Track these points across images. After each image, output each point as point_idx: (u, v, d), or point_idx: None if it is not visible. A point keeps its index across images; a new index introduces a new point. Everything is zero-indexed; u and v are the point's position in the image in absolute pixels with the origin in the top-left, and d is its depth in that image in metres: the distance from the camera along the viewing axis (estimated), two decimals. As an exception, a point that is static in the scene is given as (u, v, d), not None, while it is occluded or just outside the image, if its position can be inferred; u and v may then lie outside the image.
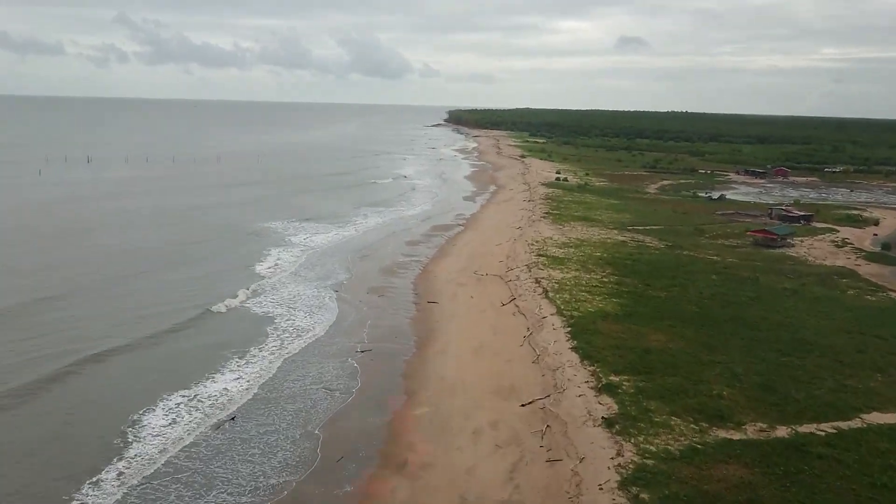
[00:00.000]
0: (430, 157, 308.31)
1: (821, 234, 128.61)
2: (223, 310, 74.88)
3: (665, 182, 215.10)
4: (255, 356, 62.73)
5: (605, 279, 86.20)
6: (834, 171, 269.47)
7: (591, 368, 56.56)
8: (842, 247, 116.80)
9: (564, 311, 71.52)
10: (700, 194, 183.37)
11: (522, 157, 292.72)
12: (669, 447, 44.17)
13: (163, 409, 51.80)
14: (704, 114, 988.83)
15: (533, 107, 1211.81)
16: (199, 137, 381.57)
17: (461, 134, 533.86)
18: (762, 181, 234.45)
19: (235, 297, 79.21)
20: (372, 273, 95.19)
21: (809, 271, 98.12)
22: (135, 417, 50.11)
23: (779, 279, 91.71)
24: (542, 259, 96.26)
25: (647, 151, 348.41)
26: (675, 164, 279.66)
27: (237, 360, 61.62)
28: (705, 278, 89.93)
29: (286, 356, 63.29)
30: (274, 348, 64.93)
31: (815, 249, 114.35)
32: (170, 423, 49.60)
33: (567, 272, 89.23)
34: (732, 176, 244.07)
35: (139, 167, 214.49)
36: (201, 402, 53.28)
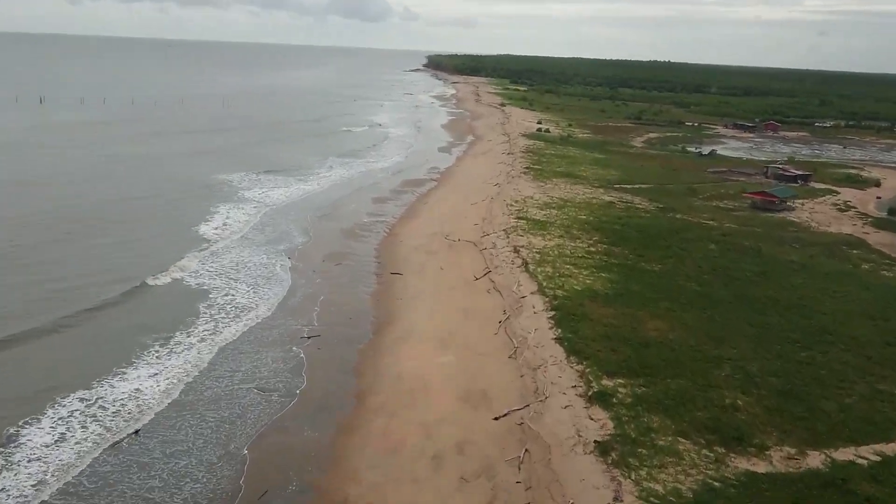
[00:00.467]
0: (407, 103, 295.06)
1: (821, 195, 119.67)
2: (150, 283, 64.40)
3: (651, 135, 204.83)
4: (180, 344, 52.73)
5: (592, 248, 76.53)
6: (824, 126, 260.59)
7: (580, 367, 47.18)
8: (845, 211, 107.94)
9: (547, 290, 61.90)
10: (689, 149, 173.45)
11: (502, 105, 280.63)
12: (680, 486, 35.04)
13: (51, 418, 41.85)
14: (687, 64, 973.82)
15: (514, 53, 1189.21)
16: (168, 79, 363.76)
17: (440, 80, 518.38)
18: (752, 135, 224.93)
19: (169, 267, 68.66)
20: (332, 236, 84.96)
21: (815, 240, 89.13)
22: (11, 431, 40.15)
23: (783, 250, 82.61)
24: (521, 223, 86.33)
25: (631, 101, 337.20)
26: (660, 115, 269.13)
27: (158, 349, 51.57)
28: (703, 248, 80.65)
29: (219, 344, 53.33)
30: (205, 333, 54.91)
31: (817, 214, 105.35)
32: (56, 441, 39.68)
33: (549, 239, 79.42)
34: (721, 129, 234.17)
35: (94, 110, 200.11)
36: (103, 408, 43.39)
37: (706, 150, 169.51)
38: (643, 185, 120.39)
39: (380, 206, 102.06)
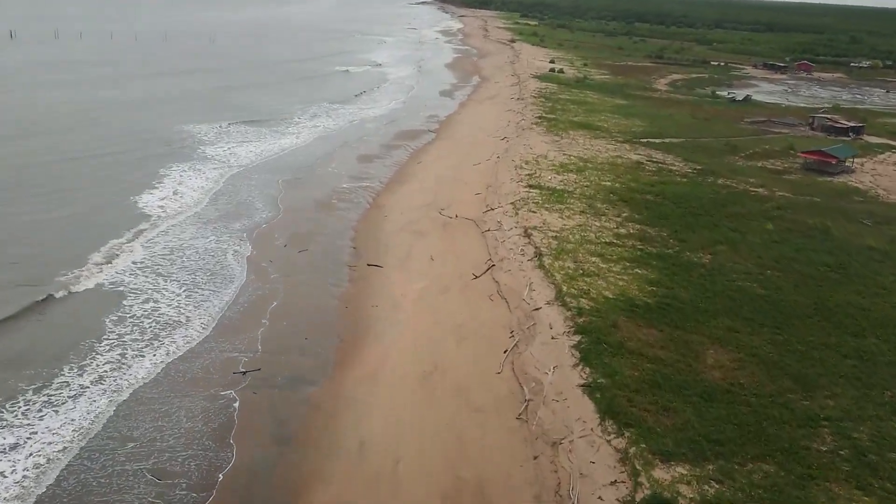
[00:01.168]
0: (410, 39, 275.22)
1: (879, 152, 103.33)
2: (59, 292, 49.36)
3: (675, 76, 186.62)
4: (63, 389, 38.17)
5: (622, 230, 61.26)
6: (861, 67, 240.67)
7: (620, 443, 32.57)
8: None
9: (568, 297, 46.93)
10: (720, 94, 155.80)
11: (512, 41, 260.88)
12: None
13: None
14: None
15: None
16: (154, 11, 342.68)
17: (446, 13, 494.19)
18: (784, 77, 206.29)
19: (87, 260, 53.83)
20: (303, 208, 69.87)
21: (888, 213, 73.53)
22: None
23: (855, 230, 67.19)
24: (533, 192, 70.83)
25: (650, 38, 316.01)
26: (682, 53, 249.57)
27: (29, 398, 37.03)
28: (758, 228, 65.26)
29: (122, 387, 38.79)
30: (105, 370, 40.28)
31: (882, 178, 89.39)
32: None
33: (569, 216, 64.09)
34: (750, 70, 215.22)
35: (67, 46, 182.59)
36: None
37: (740, 95, 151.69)
38: (673, 140, 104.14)
39: (365, 166, 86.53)
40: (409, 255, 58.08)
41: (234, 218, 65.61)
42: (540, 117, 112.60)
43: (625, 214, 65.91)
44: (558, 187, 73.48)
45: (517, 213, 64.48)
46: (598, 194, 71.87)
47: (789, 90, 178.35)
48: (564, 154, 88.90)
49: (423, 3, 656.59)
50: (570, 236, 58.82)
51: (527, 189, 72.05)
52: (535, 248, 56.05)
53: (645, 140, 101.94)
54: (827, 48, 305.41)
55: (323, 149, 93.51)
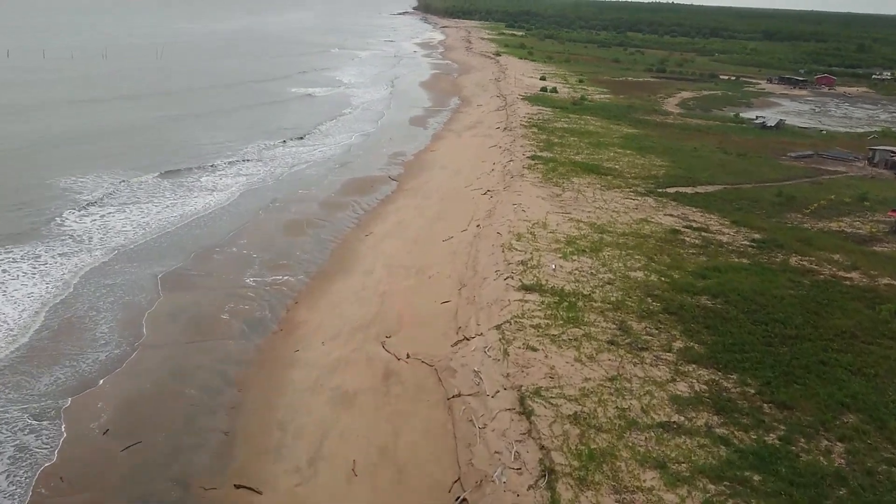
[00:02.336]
0: (386, 54, 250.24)
1: (978, 201, 78.97)
2: None
3: (684, 94, 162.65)
4: None
5: (680, 387, 36.59)
6: (884, 79, 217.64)
7: None
8: None
9: None
10: (745, 116, 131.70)
11: (497, 54, 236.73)
12: None
13: None
14: (692, 5, 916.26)
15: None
16: (112, 21, 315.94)
17: (428, 24, 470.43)
18: (804, 92, 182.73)
19: None
20: (169, 339, 44.45)
21: None
22: None
23: None
24: (530, 301, 45.81)
25: (646, 48, 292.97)
26: (685, 66, 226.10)
27: None
28: (887, 368, 40.40)
29: None
30: None
31: None
32: None
33: (590, 356, 39.20)
34: (766, 85, 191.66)
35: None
36: None
37: (770, 119, 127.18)
38: (709, 188, 79.69)
39: (290, 241, 61.37)
40: (316, 455, 32.79)
41: (47, 367, 40.25)
42: (533, 157, 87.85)
43: (678, 345, 41.05)
44: (567, 287, 48.43)
45: (506, 353, 39.40)
46: (628, 299, 46.97)
47: (817, 109, 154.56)
48: (570, 218, 64.05)
49: (405, 13, 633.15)
50: (600, 411, 33.87)
51: (520, 293, 46.99)
52: (542, 449, 31.00)
53: (673, 190, 77.26)
54: (835, 57, 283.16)
55: (240, 213, 68.38)
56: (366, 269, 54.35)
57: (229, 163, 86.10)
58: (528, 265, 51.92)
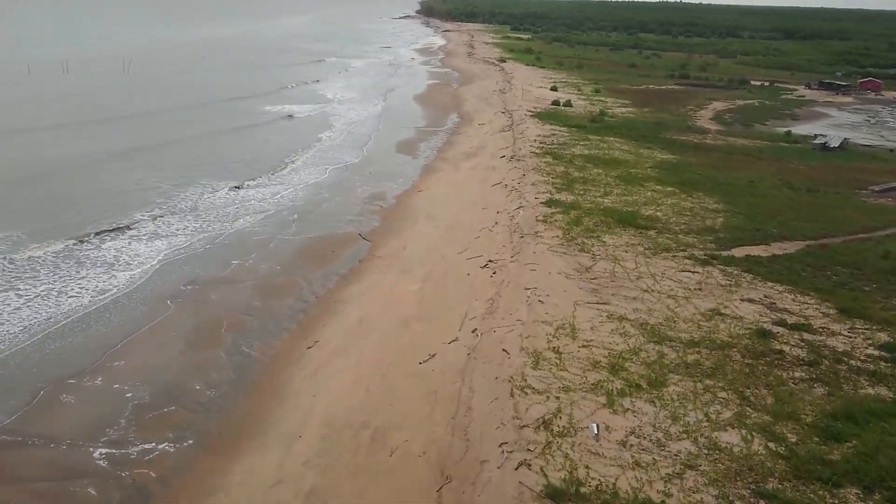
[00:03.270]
0: (382, 62, 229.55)
1: None
2: None
3: (717, 104, 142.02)
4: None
5: None
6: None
7: None
8: None
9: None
10: (796, 133, 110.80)
11: (502, 60, 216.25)
12: None
13: None
14: (701, 4, 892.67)
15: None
16: (85, 29, 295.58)
17: (430, 28, 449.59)
18: (850, 99, 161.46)
19: None
20: None
21: None
22: None
23: None
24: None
25: (661, 51, 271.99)
26: (709, 70, 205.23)
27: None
28: None
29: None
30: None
31: None
32: None
33: None
34: (804, 91, 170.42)
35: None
36: None
37: (832, 137, 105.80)
38: (787, 245, 59.09)
39: (187, 371, 40.65)
40: None
41: None
42: (550, 202, 67.55)
43: None
44: (623, 487, 27.99)
45: None
46: (732, 513, 26.51)
47: (872, 120, 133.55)
48: (609, 314, 43.79)
49: (406, 17, 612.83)
50: None
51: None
52: None
53: (741, 252, 56.70)
54: (867, 57, 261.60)
55: (135, 307, 47.97)
56: (290, 432, 33.86)
57: (153, 217, 65.84)
58: (554, 429, 31.55)
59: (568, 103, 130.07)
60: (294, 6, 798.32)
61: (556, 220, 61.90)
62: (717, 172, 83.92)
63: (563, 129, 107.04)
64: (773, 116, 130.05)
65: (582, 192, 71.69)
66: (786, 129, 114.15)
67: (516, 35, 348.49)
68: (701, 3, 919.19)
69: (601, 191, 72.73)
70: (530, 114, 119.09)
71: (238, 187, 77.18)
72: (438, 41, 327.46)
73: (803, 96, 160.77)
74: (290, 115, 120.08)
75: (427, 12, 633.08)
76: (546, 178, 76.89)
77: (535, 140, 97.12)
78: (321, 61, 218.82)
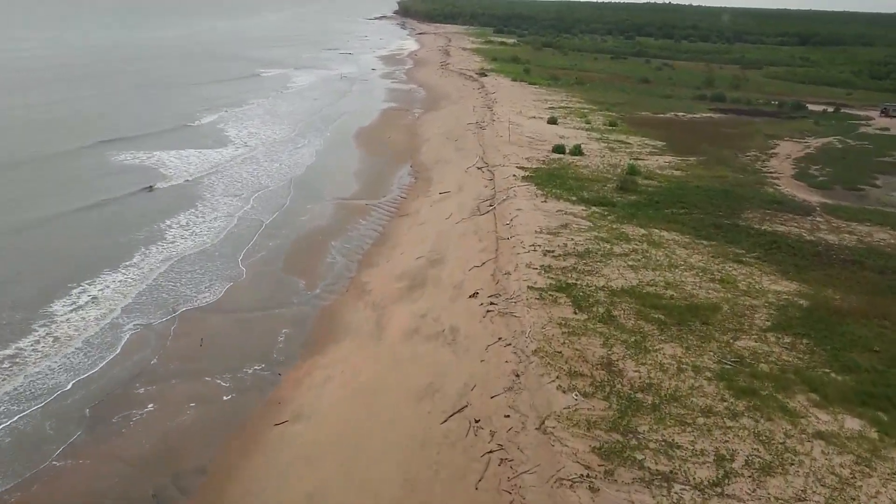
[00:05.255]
0: (335, 75, 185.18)
1: None
2: None
3: (786, 146, 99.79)
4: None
5: None
6: None
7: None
8: None
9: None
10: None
11: (482, 73, 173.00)
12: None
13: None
14: (691, 6, 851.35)
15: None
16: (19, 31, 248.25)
17: (405, 30, 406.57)
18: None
19: None
20: None
21: None
22: None
23: None
24: None
25: (669, 59, 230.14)
26: (742, 87, 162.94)
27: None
28: None
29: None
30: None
31: None
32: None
33: None
34: (882, 120, 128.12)
35: None
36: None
37: None
38: None
39: None
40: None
41: None
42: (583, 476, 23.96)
43: None
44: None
45: None
46: None
47: None
48: None
49: (382, 17, 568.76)
50: None
51: None
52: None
53: None
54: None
55: None
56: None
57: None
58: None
59: (577, 150, 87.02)
60: (273, 3, 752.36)
61: None
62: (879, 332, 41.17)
63: (576, 208, 64.07)
64: (877, 169, 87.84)
65: (660, 429, 28.95)
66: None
67: (500, 39, 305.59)
68: (691, 5, 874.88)
69: (704, 425, 30.03)
70: (521, 172, 76.06)
71: None
72: (410, 45, 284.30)
73: (887, 129, 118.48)
74: (150, 187, 74.28)
75: (404, 13, 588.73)
76: (565, 375, 34.26)
77: (532, 244, 53.83)
78: (258, 75, 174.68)
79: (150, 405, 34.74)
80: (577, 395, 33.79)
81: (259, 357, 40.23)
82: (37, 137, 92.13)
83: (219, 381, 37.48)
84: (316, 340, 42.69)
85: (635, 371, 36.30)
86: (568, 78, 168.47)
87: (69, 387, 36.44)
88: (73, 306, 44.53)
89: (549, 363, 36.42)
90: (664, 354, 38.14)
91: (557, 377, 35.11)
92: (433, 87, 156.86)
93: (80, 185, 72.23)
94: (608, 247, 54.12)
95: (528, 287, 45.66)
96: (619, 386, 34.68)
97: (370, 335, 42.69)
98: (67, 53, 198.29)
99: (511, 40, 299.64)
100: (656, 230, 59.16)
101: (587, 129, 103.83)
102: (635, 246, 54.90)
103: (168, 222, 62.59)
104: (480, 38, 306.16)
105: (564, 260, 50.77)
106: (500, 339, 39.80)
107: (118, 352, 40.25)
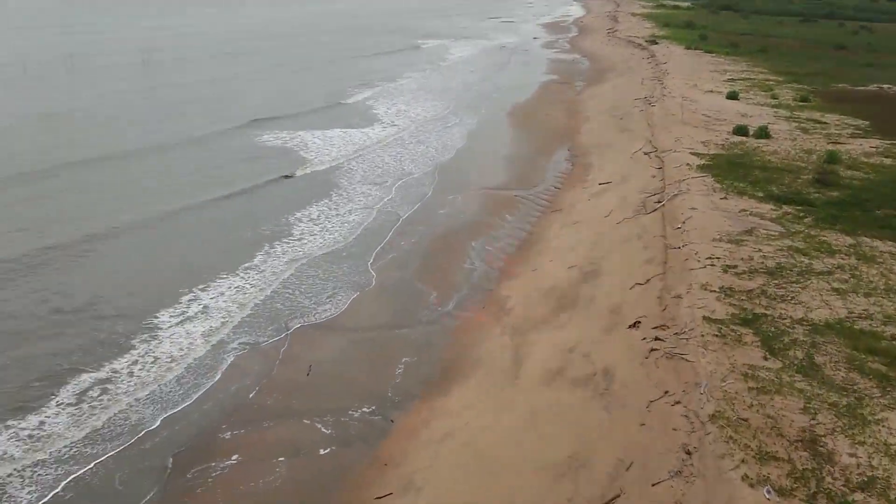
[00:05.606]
0: (495, 45, 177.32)
1: None
2: None
3: None
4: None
5: None
6: None
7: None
8: None
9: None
10: None
11: (652, 41, 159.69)
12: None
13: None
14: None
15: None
16: (76, 19, 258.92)
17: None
18: None
19: None
20: None
21: None
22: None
23: None
24: None
25: (868, 21, 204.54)
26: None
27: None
28: None
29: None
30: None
31: None
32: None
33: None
34: None
35: None
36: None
37: None
38: None
39: None
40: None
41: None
42: None
43: None
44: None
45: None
46: None
47: None
48: None
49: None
50: None
51: None
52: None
53: None
54: None
55: None
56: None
57: None
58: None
59: (762, 132, 75.12)
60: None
61: None
62: None
63: (764, 207, 53.54)
64: None
65: None
66: None
67: (673, 2, 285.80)
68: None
69: None
70: (697, 160, 65.73)
71: None
72: (576, 11, 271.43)
73: None
74: (289, 175, 70.29)
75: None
76: (756, 494, 25.28)
77: (708, 256, 44.39)
78: (416, 46, 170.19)
79: (234, 456, 29.21)
80: (769, 493, 25.07)
81: (371, 394, 33.99)
82: (190, 119, 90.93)
83: (319, 426, 31.48)
84: (440, 375, 36.04)
85: (850, 454, 26.96)
86: (750, 45, 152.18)
87: (157, 424, 31.64)
88: (182, 317, 40.04)
89: (731, 437, 27.81)
90: (889, 428, 28.48)
91: (743, 461, 26.49)
92: (598, 57, 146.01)
93: (219, 171, 69.13)
94: (806, 261, 43.84)
95: (704, 318, 36.71)
96: (828, 478, 25.59)
97: (505, 373, 35.53)
98: (237, 30, 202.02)
99: (685, 3, 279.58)
100: (867, 239, 47.97)
101: (774, 106, 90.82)
102: (841, 261, 44.27)
103: (298, 215, 57.84)
104: (652, 2, 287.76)
105: (750, 279, 41.19)
106: (666, 392, 31.49)
107: (217, 379, 35.25)
